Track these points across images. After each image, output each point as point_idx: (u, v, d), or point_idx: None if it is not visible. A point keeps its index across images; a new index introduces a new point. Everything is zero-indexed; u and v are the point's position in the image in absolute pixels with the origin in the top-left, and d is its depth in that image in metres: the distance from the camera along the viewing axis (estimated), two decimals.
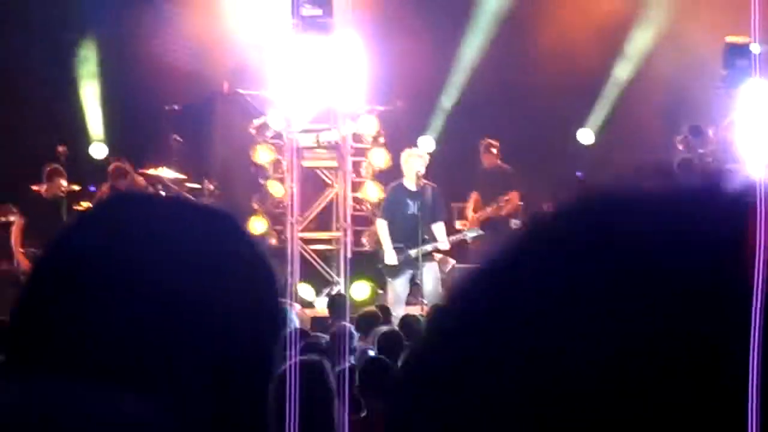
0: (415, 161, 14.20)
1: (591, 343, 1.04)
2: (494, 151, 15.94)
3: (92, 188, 16.24)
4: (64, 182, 14.02)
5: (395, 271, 14.06)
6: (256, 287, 1.52)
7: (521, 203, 15.55)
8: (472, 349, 1.11)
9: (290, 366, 4.41)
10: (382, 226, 14.29)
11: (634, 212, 1.13)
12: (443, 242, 14.18)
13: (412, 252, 13.92)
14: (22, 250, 14.04)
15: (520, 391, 1.04)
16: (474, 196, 15.92)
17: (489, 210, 15.55)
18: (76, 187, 14.99)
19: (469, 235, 14.50)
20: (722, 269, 1.08)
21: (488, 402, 1.07)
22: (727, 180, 1.21)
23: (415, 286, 14.09)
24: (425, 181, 14.16)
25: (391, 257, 14.04)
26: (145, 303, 1.43)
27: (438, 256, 14.44)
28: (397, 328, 9.97)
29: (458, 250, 14.74)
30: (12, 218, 14.65)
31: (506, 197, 15.52)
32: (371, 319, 10.89)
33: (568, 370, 1.04)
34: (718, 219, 1.15)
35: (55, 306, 1.44)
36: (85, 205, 15.69)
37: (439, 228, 14.24)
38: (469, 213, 15.83)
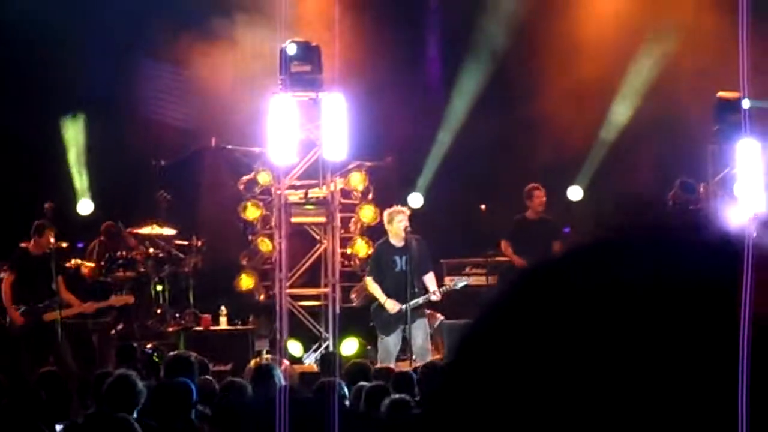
0: (399, 219, 14.11)
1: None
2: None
3: (80, 245, 16.17)
4: (52, 237, 13.94)
5: (388, 328, 13.96)
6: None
7: None
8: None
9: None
10: (371, 283, 14.19)
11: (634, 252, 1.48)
12: (435, 293, 14.05)
13: (404, 307, 13.82)
14: (14, 306, 13.93)
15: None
16: (505, 245, 15.50)
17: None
18: (64, 244, 14.90)
19: (459, 284, 14.39)
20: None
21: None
22: (715, 224, 1.46)
23: (404, 342, 13.96)
24: (411, 235, 14.07)
25: (392, 306, 13.89)
26: None
27: (427, 311, 14.36)
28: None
29: (448, 305, 14.65)
30: (1, 275, 14.56)
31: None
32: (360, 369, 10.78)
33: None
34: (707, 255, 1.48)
35: None
36: (74, 261, 15.58)
37: (429, 279, 14.15)
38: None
